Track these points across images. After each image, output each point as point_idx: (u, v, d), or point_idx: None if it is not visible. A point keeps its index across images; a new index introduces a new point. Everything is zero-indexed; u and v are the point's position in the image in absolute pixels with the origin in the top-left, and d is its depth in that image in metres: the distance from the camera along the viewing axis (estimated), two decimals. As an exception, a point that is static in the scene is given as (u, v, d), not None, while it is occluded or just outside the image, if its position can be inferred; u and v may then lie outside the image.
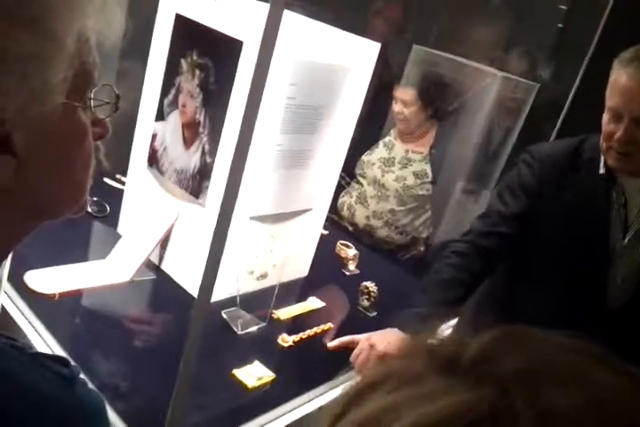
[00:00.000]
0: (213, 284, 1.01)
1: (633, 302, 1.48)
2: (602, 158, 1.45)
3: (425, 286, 1.51)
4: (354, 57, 1.63)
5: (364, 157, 2.56)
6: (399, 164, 2.48)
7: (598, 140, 1.47)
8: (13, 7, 0.41)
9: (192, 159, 1.54)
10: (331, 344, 1.47)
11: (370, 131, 2.51)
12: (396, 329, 1.40)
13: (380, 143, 2.56)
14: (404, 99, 2.37)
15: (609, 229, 1.46)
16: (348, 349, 1.42)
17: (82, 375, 0.53)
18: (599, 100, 1.50)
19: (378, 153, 2.54)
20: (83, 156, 0.52)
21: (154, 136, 1.62)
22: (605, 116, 1.38)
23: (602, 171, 1.45)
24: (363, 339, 1.39)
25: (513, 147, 2.75)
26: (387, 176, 2.47)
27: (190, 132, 1.52)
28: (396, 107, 2.40)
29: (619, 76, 1.33)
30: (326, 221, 1.96)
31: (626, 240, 1.46)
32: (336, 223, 2.49)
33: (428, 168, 2.45)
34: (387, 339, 1.36)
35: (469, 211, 2.77)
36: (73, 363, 0.53)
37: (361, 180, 2.56)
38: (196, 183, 1.54)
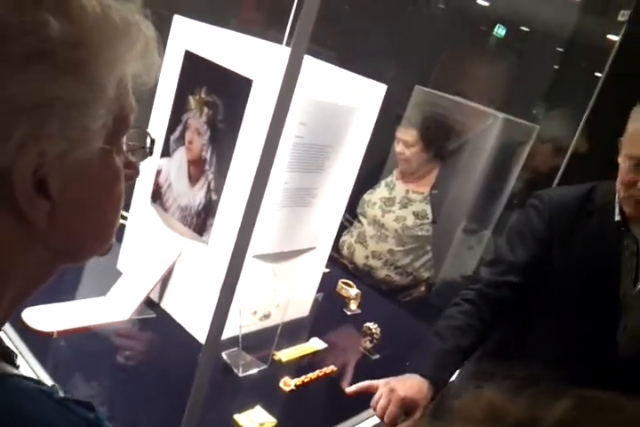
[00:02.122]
0: (223, 328, 0.98)
1: (635, 356, 1.45)
2: (616, 205, 1.45)
3: (438, 331, 1.48)
4: (361, 97, 1.64)
5: (366, 196, 2.56)
6: (399, 203, 2.48)
7: (609, 187, 1.47)
8: (58, 51, 0.41)
9: (197, 196, 1.52)
10: (349, 390, 1.43)
11: (371, 170, 2.53)
12: (415, 374, 1.37)
13: (382, 183, 2.57)
14: (406, 139, 2.39)
15: (620, 277, 1.45)
16: (366, 393, 1.38)
17: (107, 422, 0.52)
18: (605, 143, 1.50)
19: (379, 192, 2.55)
20: (114, 198, 0.52)
21: (158, 172, 1.60)
22: (625, 164, 1.38)
23: (617, 218, 1.45)
24: (382, 384, 1.35)
25: (513, 188, 2.76)
26: (387, 216, 2.47)
27: (196, 169, 1.51)
28: (398, 147, 2.42)
29: (639, 125, 1.34)
30: (327, 259, 1.94)
31: (637, 289, 1.45)
32: (337, 261, 2.47)
33: (428, 208, 2.45)
34: (406, 383, 1.34)
35: (471, 251, 2.77)
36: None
37: (361, 219, 2.56)
38: (200, 221, 1.52)
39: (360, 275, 2.46)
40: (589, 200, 1.50)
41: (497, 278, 1.53)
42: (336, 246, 2.48)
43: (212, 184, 1.49)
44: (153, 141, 0.57)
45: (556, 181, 2.37)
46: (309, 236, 1.74)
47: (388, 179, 2.57)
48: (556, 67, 3.00)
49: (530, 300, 1.53)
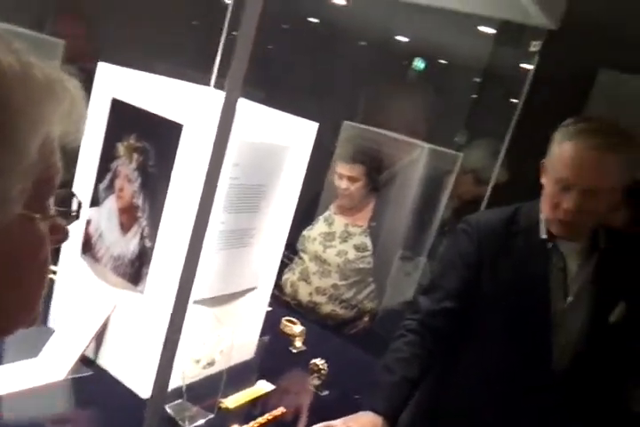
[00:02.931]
0: (168, 380, 0.94)
1: (577, 364, 1.50)
2: (542, 224, 1.50)
3: (386, 365, 1.49)
4: (293, 136, 1.65)
5: (305, 233, 2.56)
6: (339, 238, 2.49)
7: (533, 207, 1.53)
8: None
9: (130, 244, 1.47)
10: None
11: (306, 206, 2.54)
12: (369, 411, 1.37)
13: (321, 218, 2.58)
14: (351, 175, 2.41)
15: (550, 293, 1.49)
16: None
17: None
18: (527, 168, 1.57)
19: (318, 228, 2.55)
20: (38, 266, 0.48)
21: (88, 222, 1.54)
22: (550, 187, 1.43)
23: (543, 236, 1.49)
24: (339, 424, 1.35)
25: (442, 215, 2.84)
26: (328, 251, 2.47)
27: (128, 216, 1.47)
28: (342, 183, 2.43)
29: (566, 148, 1.39)
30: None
31: (567, 304, 1.50)
32: (278, 299, 2.44)
33: (367, 241, 2.47)
34: (361, 421, 1.35)
35: (408, 278, 2.81)
36: None
37: (303, 255, 2.55)
38: (134, 270, 1.47)
39: (304, 311, 2.44)
40: (514, 222, 1.55)
41: (434, 306, 1.55)
42: (278, 284, 2.46)
43: (146, 231, 1.44)
44: (80, 205, 0.53)
45: (482, 208, 2.46)
46: (250, 276, 1.72)
47: (326, 213, 2.58)
48: (474, 96, 3.14)
49: (467, 323, 1.56)
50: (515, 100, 2.55)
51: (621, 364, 1.54)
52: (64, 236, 0.52)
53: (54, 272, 1.65)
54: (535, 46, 2.25)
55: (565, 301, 1.49)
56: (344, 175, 2.44)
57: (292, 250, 2.55)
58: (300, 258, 2.56)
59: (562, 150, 1.40)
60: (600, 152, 1.35)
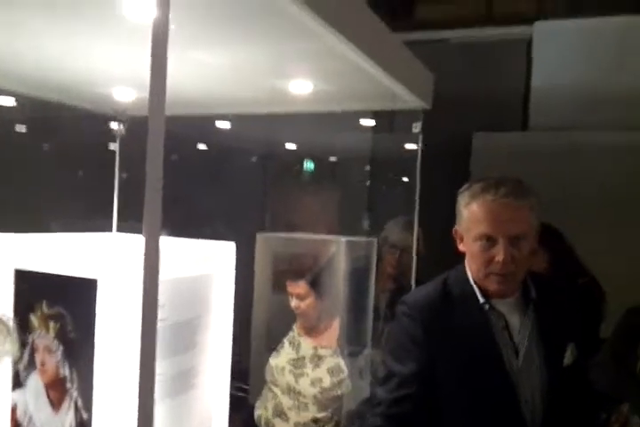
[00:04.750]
0: None
1: (550, 415, 1.48)
2: (475, 288, 1.52)
3: None
4: (213, 261, 1.61)
5: (272, 361, 2.37)
6: (311, 363, 2.31)
7: (459, 273, 1.56)
8: None
9: (65, 422, 1.32)
10: None
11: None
12: None
13: (285, 342, 2.41)
14: (298, 292, 2.32)
15: (502, 355, 1.49)
16: None
17: None
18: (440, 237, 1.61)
19: (285, 354, 2.37)
20: None
21: (14, 408, 1.38)
22: (476, 246, 1.47)
23: (482, 300, 1.51)
24: None
25: (374, 300, 2.83)
26: (301, 381, 2.28)
27: (56, 391, 1.33)
28: (293, 302, 2.33)
29: (477, 206, 1.46)
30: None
31: (520, 361, 1.50)
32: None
33: (341, 362, 2.32)
34: None
35: (363, 374, 2.71)
36: None
37: (273, 388, 2.34)
38: (76, 448, 1.31)
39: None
40: (446, 293, 1.56)
41: (394, 395, 1.49)
42: (250, 424, 2.26)
43: (80, 402, 1.31)
44: None
45: (413, 282, 2.49)
46: (201, 421, 1.59)
47: (290, 335, 2.41)
48: (368, 183, 3.29)
49: (432, 405, 1.50)
50: (406, 179, 2.68)
51: (589, 400, 1.59)
52: None
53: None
54: (416, 127, 2.42)
55: (517, 358, 1.50)
56: (292, 293, 2.34)
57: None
58: (271, 391, 2.36)
59: (474, 210, 1.47)
60: (511, 199, 1.44)
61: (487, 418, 1.47)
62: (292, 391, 2.30)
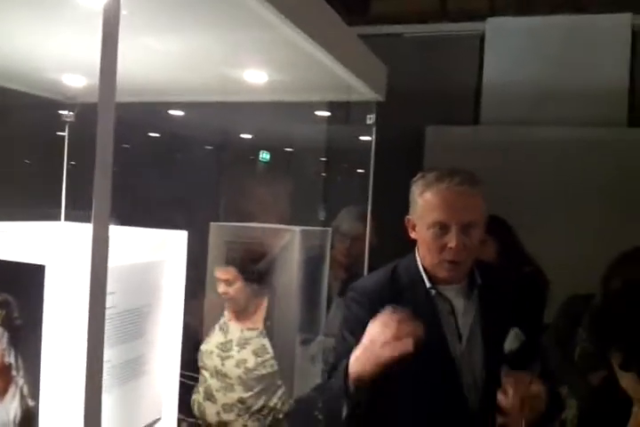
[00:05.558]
0: None
1: (489, 400, 1.50)
2: (423, 274, 1.56)
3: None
4: (165, 249, 1.61)
5: (203, 347, 2.41)
6: (237, 346, 2.36)
7: (409, 261, 1.59)
8: None
9: (10, 410, 1.30)
10: None
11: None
12: None
13: (216, 327, 2.45)
14: (227, 278, 2.35)
15: (446, 339, 1.53)
16: None
17: None
18: (393, 226, 1.64)
19: (215, 339, 2.41)
20: None
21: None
22: (429, 233, 1.50)
23: (429, 285, 1.55)
24: None
25: (328, 289, 2.87)
26: (227, 363, 2.33)
27: (1, 379, 1.31)
28: (220, 288, 2.36)
29: (431, 195, 1.49)
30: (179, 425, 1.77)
31: (463, 345, 1.54)
32: (191, 425, 2.26)
33: (266, 342, 2.36)
34: None
35: (314, 361, 2.75)
36: None
37: (204, 373, 2.39)
38: (22, 436, 1.30)
39: (216, 432, 2.27)
40: (395, 280, 1.59)
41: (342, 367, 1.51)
42: (188, 409, 2.28)
43: (25, 390, 1.30)
44: None
45: (365, 271, 2.53)
46: (152, 407, 1.59)
47: (221, 321, 2.46)
48: (323, 174, 3.31)
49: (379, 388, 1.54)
50: (361, 171, 2.71)
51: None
52: None
53: None
54: (370, 119, 2.45)
55: (461, 342, 1.54)
56: (220, 279, 2.37)
57: (194, 370, 2.40)
58: (202, 375, 2.40)
59: (427, 198, 1.50)
60: (464, 188, 1.48)
61: (430, 400, 1.50)
62: (218, 374, 2.35)
